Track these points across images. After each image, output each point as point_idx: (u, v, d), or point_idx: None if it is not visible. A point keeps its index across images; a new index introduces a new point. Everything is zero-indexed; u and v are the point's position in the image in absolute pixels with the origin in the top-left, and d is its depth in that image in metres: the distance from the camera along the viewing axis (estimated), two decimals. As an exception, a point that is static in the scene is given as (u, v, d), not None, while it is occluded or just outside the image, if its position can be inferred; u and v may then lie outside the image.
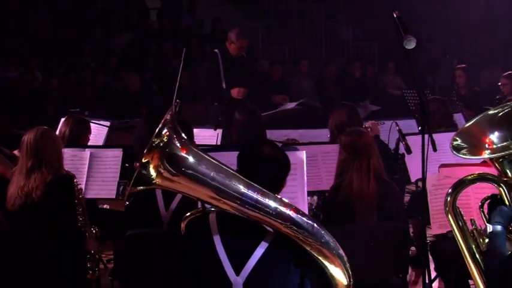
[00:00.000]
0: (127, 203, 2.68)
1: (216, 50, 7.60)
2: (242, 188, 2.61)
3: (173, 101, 7.57)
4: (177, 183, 2.61)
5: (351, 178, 4.12)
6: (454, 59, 12.29)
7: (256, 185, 2.64)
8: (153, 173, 2.57)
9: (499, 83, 8.41)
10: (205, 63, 8.32)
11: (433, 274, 4.87)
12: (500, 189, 2.89)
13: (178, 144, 2.60)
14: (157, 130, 2.56)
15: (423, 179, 4.05)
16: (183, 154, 2.60)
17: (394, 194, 4.21)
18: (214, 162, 2.65)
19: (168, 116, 2.60)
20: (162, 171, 2.57)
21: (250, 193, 2.61)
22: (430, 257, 4.69)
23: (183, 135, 2.65)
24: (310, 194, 5.13)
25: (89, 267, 4.36)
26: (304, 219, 2.64)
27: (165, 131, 2.57)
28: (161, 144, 2.56)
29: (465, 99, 8.73)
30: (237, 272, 2.63)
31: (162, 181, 2.60)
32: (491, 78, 10.63)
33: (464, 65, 9.52)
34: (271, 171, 2.76)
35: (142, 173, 2.56)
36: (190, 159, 2.60)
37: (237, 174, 2.68)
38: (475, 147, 2.94)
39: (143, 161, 2.55)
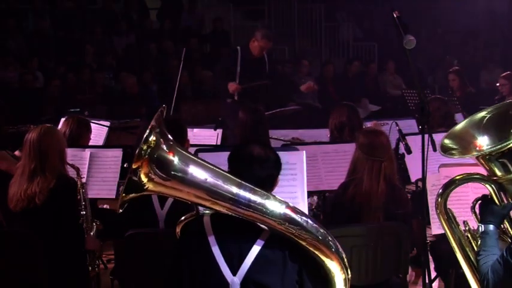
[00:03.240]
0: (120, 210, 2.62)
1: (238, 47, 7.60)
2: (234, 188, 2.61)
3: (173, 101, 7.59)
4: (170, 187, 2.59)
5: (361, 178, 4.12)
6: (454, 59, 12.28)
7: (248, 184, 2.64)
8: (143, 179, 2.54)
9: (498, 84, 8.38)
10: (222, 60, 8.21)
11: (433, 274, 4.87)
12: (490, 188, 2.89)
13: (166, 149, 2.57)
14: (144, 136, 2.52)
15: (423, 179, 4.05)
16: (172, 158, 2.57)
17: (401, 200, 4.19)
18: (205, 164, 2.64)
19: (154, 122, 2.56)
20: (153, 176, 2.54)
21: (243, 192, 2.61)
22: (430, 257, 4.69)
23: (170, 137, 2.62)
24: (310, 194, 5.13)
25: (89, 264, 4.35)
26: (299, 215, 2.65)
27: (152, 136, 2.53)
28: (149, 150, 2.52)
29: (461, 101, 8.69)
30: (234, 272, 2.63)
31: (154, 186, 2.57)
32: (491, 78, 10.61)
33: (457, 68, 9.43)
34: (262, 171, 2.76)
35: (133, 179, 2.53)
36: (180, 162, 2.58)
37: (228, 174, 2.68)
38: (465, 149, 2.95)
39: (133, 167, 2.52)
